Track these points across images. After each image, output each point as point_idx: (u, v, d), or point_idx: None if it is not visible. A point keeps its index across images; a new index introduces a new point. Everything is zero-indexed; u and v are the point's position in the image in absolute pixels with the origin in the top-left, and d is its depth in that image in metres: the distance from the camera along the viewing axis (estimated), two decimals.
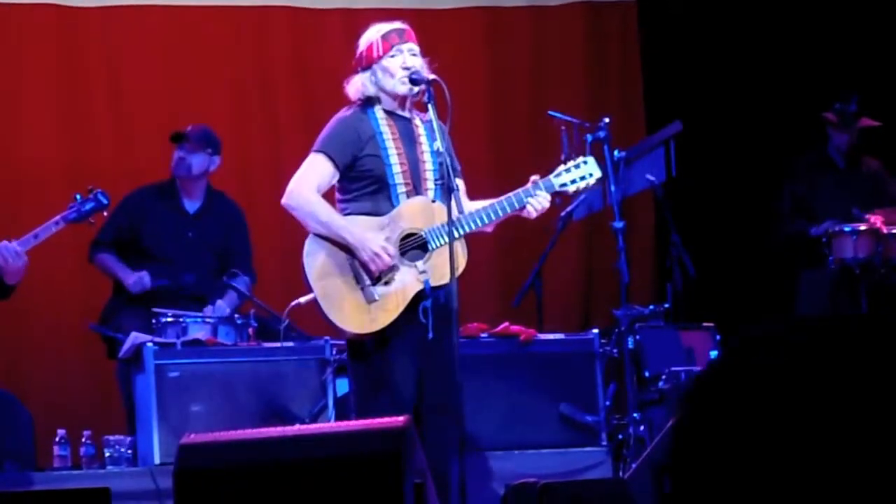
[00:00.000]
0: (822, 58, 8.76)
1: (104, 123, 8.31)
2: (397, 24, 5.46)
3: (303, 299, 5.48)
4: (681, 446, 2.71)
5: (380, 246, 5.24)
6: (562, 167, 5.49)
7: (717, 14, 8.99)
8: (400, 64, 5.36)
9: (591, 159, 5.53)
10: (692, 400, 2.75)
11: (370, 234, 5.27)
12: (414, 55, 5.38)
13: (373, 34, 5.43)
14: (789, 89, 8.76)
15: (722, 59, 8.94)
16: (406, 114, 5.44)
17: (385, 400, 5.20)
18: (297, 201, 5.34)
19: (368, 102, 5.42)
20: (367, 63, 5.40)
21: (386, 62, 5.37)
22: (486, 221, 5.35)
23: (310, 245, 5.33)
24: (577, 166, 5.49)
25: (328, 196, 5.43)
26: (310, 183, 5.35)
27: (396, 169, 5.32)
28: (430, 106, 5.30)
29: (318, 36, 8.66)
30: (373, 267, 5.24)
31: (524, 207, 5.38)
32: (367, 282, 5.26)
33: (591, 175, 5.49)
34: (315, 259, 5.30)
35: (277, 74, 8.63)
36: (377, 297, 5.26)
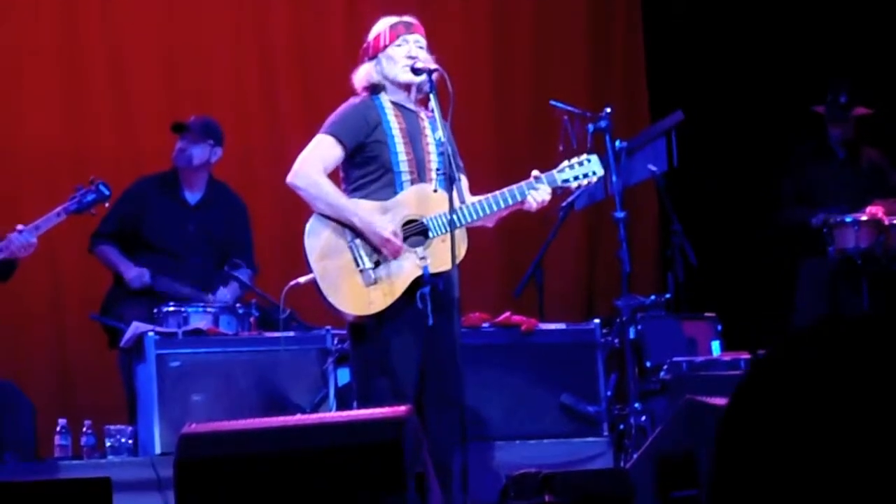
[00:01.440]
0: (825, 47, 8.75)
1: (105, 111, 8.30)
2: (406, 18, 5.51)
3: (302, 279, 5.48)
4: (728, 438, 2.72)
5: (391, 231, 5.25)
6: (565, 163, 5.50)
7: (720, 3, 8.98)
8: (404, 53, 5.41)
9: (594, 157, 5.53)
10: (739, 395, 2.76)
11: (377, 218, 5.27)
12: (420, 47, 5.43)
13: (381, 25, 5.50)
14: (792, 78, 8.75)
15: (725, 48, 8.94)
16: (412, 106, 5.47)
17: (385, 383, 5.22)
18: (305, 181, 5.35)
19: (375, 92, 5.45)
20: (374, 53, 5.46)
21: (391, 51, 5.42)
22: (488, 212, 5.36)
23: (312, 225, 5.34)
24: (580, 163, 5.50)
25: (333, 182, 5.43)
26: (316, 163, 5.37)
27: (402, 157, 5.34)
28: (432, 96, 5.32)
29: (319, 22, 8.66)
30: (385, 252, 5.25)
31: (525, 200, 5.38)
32: (367, 264, 5.27)
33: (593, 173, 5.50)
34: (316, 240, 5.32)
35: (278, 61, 8.62)
36: (376, 281, 5.27)
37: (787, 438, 2.68)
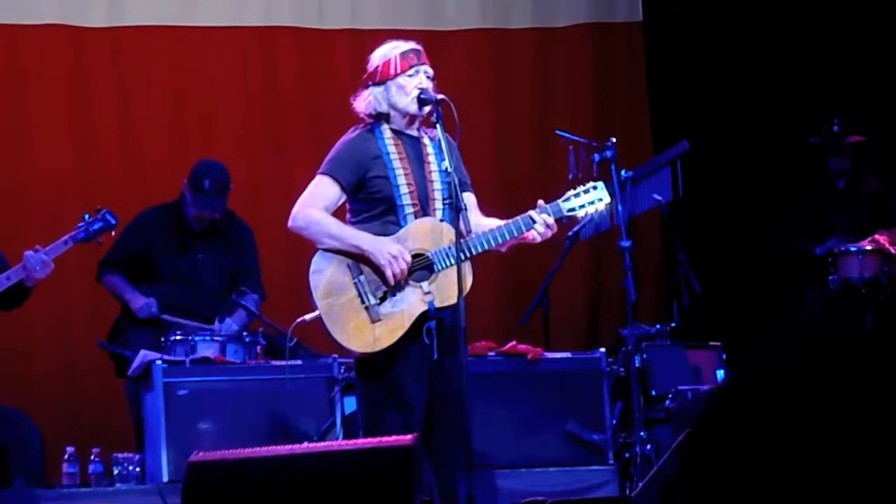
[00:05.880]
0: (827, 76, 8.79)
1: (113, 142, 8.34)
2: (413, 45, 5.44)
3: (308, 316, 5.46)
4: (690, 465, 2.74)
5: (397, 248, 5.21)
6: (570, 192, 5.44)
7: (722, 34, 9.02)
8: (416, 83, 5.33)
9: (600, 184, 5.47)
10: (703, 420, 2.78)
11: (384, 240, 5.26)
12: (429, 78, 5.37)
13: (390, 51, 5.40)
14: (795, 108, 8.78)
15: (728, 78, 8.97)
16: (414, 132, 5.43)
17: (393, 419, 5.19)
18: (305, 220, 5.32)
19: (376, 121, 5.40)
20: (382, 79, 5.37)
21: (402, 80, 5.34)
22: (493, 244, 5.32)
23: (316, 262, 5.31)
24: (586, 191, 5.44)
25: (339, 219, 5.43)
26: (315, 203, 5.33)
27: (404, 189, 5.29)
28: (438, 126, 5.29)
29: (326, 56, 8.69)
30: (391, 271, 5.20)
31: (531, 231, 5.34)
32: (372, 301, 5.24)
33: (599, 200, 5.44)
34: (321, 276, 5.29)
35: (285, 95, 8.66)
36: (381, 317, 5.24)
37: (753, 466, 2.70)
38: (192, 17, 8.53)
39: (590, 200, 5.43)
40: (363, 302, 5.25)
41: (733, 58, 8.98)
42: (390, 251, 5.20)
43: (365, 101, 5.40)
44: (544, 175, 8.45)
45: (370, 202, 5.33)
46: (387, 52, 5.40)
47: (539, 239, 5.37)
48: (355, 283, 5.26)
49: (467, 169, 5.53)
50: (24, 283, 6.26)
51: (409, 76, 5.34)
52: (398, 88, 5.34)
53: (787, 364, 2.80)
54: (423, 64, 5.38)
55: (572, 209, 5.42)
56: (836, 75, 8.79)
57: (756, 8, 9.01)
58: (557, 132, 6.96)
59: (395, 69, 5.35)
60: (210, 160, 7.38)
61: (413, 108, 5.34)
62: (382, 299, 5.26)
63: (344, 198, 5.35)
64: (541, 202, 5.38)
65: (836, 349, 2.82)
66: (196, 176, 7.23)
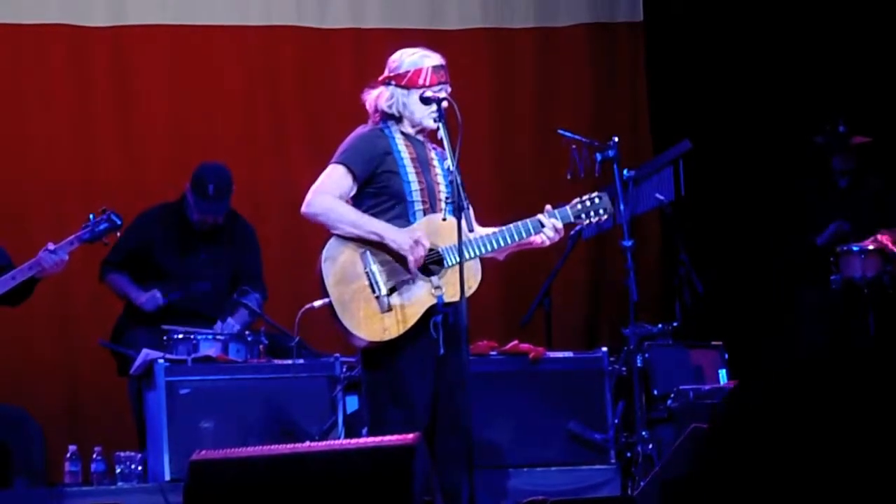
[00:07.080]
0: (828, 76, 8.79)
1: (114, 141, 8.35)
2: (441, 60, 5.47)
3: (317, 303, 5.47)
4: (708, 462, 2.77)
5: (417, 234, 5.26)
6: (577, 200, 5.54)
7: (723, 33, 9.02)
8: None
9: (605, 196, 5.58)
10: (719, 422, 2.80)
11: (401, 230, 5.30)
12: (447, 94, 5.41)
13: (421, 60, 5.43)
14: (796, 108, 8.78)
15: (728, 78, 8.97)
16: (420, 138, 5.48)
17: (397, 411, 5.23)
18: (321, 207, 5.34)
19: (385, 120, 5.45)
20: (409, 84, 5.41)
21: (428, 94, 5.39)
22: (502, 244, 5.38)
23: (328, 250, 5.34)
24: (591, 200, 5.55)
25: None
26: (330, 190, 5.36)
27: (414, 186, 5.36)
28: (440, 125, 5.32)
29: (326, 55, 8.70)
30: (412, 255, 5.24)
31: (539, 234, 5.41)
32: (383, 291, 5.29)
33: (604, 211, 5.55)
34: (333, 264, 5.32)
35: (286, 93, 8.66)
36: (390, 308, 5.28)
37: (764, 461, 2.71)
38: (193, 17, 8.54)
39: (595, 210, 5.55)
40: (374, 291, 5.29)
41: (734, 57, 8.98)
42: (412, 236, 5.25)
43: (384, 99, 5.45)
44: (545, 174, 8.46)
45: (379, 196, 5.38)
46: (418, 61, 5.44)
47: (548, 243, 5.47)
48: (367, 273, 5.30)
49: (465, 170, 5.55)
50: (34, 277, 6.31)
51: (434, 92, 5.39)
52: (423, 100, 5.40)
53: (792, 370, 2.81)
54: (447, 82, 5.43)
55: (578, 216, 5.53)
56: (837, 75, 8.79)
57: (757, 8, 9.01)
58: (560, 131, 6.96)
59: (425, 81, 5.40)
60: (213, 163, 7.35)
61: (428, 122, 5.41)
62: (392, 290, 5.29)
63: (356, 188, 5.38)
64: (549, 207, 5.46)
65: (838, 353, 2.85)
66: (199, 180, 7.21)
